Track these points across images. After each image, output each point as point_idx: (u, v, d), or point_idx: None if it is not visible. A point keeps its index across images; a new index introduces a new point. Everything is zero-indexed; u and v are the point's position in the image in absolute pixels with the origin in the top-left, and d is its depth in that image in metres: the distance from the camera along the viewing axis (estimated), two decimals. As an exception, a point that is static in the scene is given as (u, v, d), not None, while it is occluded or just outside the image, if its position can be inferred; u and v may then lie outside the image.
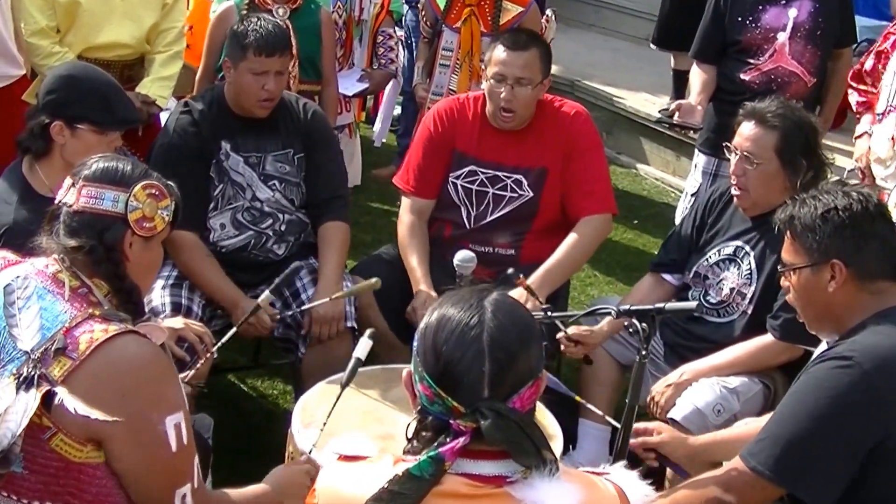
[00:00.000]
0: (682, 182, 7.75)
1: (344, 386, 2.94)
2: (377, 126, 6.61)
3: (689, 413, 3.57)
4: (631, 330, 2.91)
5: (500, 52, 4.16)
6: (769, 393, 3.72)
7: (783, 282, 2.86)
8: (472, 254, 3.51)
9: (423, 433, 1.97)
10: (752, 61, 4.87)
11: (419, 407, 1.99)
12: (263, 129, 4.14)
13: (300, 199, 4.20)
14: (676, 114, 4.76)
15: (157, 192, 2.46)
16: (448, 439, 1.90)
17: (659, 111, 7.97)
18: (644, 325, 2.87)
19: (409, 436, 2.01)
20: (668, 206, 7.51)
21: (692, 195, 5.10)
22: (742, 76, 4.89)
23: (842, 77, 5.12)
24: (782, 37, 4.83)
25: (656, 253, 6.46)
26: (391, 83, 6.16)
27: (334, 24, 5.24)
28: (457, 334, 1.93)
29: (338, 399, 2.94)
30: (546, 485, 1.89)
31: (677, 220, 5.27)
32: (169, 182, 2.52)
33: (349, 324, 3.97)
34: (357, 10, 5.51)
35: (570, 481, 1.93)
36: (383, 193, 6.84)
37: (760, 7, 4.86)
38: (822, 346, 2.99)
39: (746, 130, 3.77)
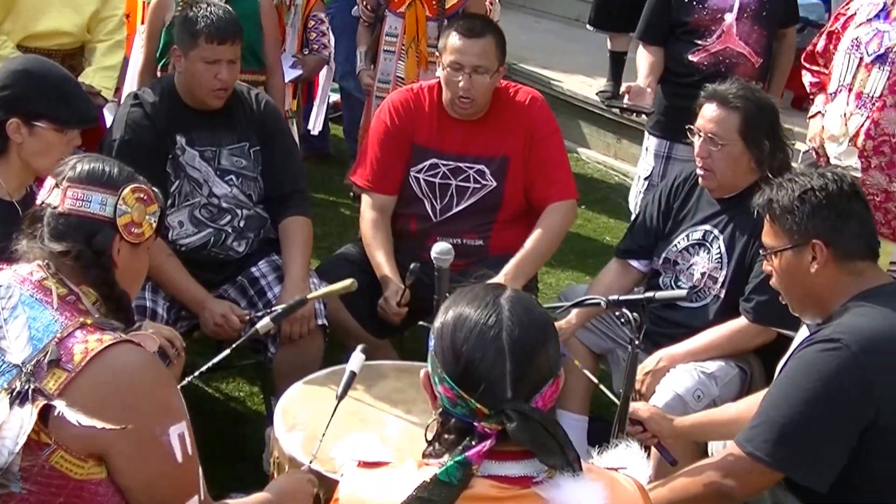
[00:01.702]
0: (624, 165, 7.85)
1: (339, 399, 2.91)
2: (313, 113, 6.54)
3: (671, 400, 3.60)
4: (622, 320, 2.93)
5: (455, 39, 4.12)
6: (746, 377, 3.77)
7: (765, 266, 2.91)
8: (450, 246, 3.49)
9: (446, 436, 1.96)
10: (699, 42, 4.92)
11: (440, 409, 1.98)
12: (218, 122, 4.06)
13: (258, 194, 4.13)
14: (626, 97, 4.78)
15: (145, 197, 2.40)
16: (473, 442, 1.89)
17: (596, 93, 8.04)
18: (635, 314, 2.90)
19: (429, 438, 2.00)
20: (613, 189, 7.57)
21: (645, 179, 5.15)
22: (690, 57, 4.93)
23: (787, 57, 5.25)
24: (729, 17, 4.89)
25: (607, 237, 6.64)
26: (325, 69, 6.10)
27: None
28: (475, 334, 1.92)
29: (333, 413, 2.90)
30: (572, 484, 1.89)
31: (631, 204, 5.34)
32: (153, 187, 2.46)
33: (320, 321, 3.93)
34: (289, -6, 5.44)
35: (594, 480, 1.94)
36: (328, 185, 6.81)
37: (707, -12, 4.91)
38: (803, 331, 3.04)
39: (709, 112, 3.82)
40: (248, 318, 3.88)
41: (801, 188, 2.77)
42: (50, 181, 2.39)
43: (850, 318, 2.68)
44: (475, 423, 1.90)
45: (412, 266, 3.77)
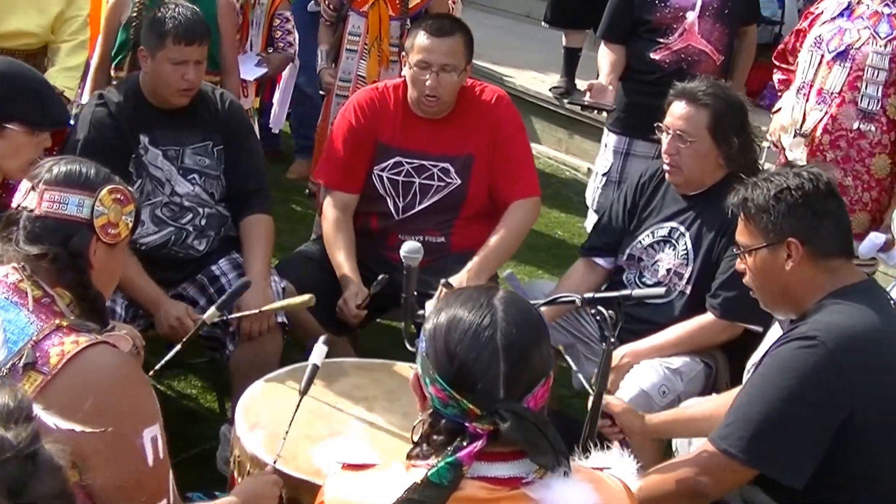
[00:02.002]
0: (575, 160, 7.89)
1: (303, 394, 2.92)
2: (275, 110, 6.52)
3: (636, 395, 3.61)
4: (598, 318, 2.92)
5: (423, 38, 4.11)
6: (711, 372, 3.79)
7: (738, 264, 2.91)
8: (419, 245, 3.47)
9: (435, 437, 1.94)
10: (662, 40, 4.95)
11: (430, 410, 1.96)
12: (182, 122, 4.04)
13: (220, 192, 4.12)
14: (588, 94, 4.78)
15: (122, 198, 2.39)
16: (465, 443, 1.88)
17: (550, 89, 8.07)
18: (611, 312, 2.89)
19: (416, 439, 1.99)
20: (565, 183, 7.60)
21: (603, 175, 5.18)
22: (652, 55, 4.96)
23: (748, 54, 5.30)
24: (691, 16, 4.93)
25: (558, 232, 6.66)
26: (288, 67, 6.09)
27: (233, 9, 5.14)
28: (470, 335, 1.91)
29: (297, 409, 2.90)
30: (562, 485, 1.89)
31: (588, 200, 5.35)
32: (129, 187, 2.45)
33: (280, 319, 3.91)
34: (254, -7, 5.44)
35: (583, 481, 1.93)
36: (279, 180, 6.74)
37: (669, -14, 4.94)
38: (775, 328, 3.05)
39: (678, 110, 3.83)
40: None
41: (776, 187, 2.77)
42: (26, 184, 2.38)
43: (826, 315, 2.68)
44: (467, 424, 1.89)
45: (380, 277, 3.78)
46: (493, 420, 1.87)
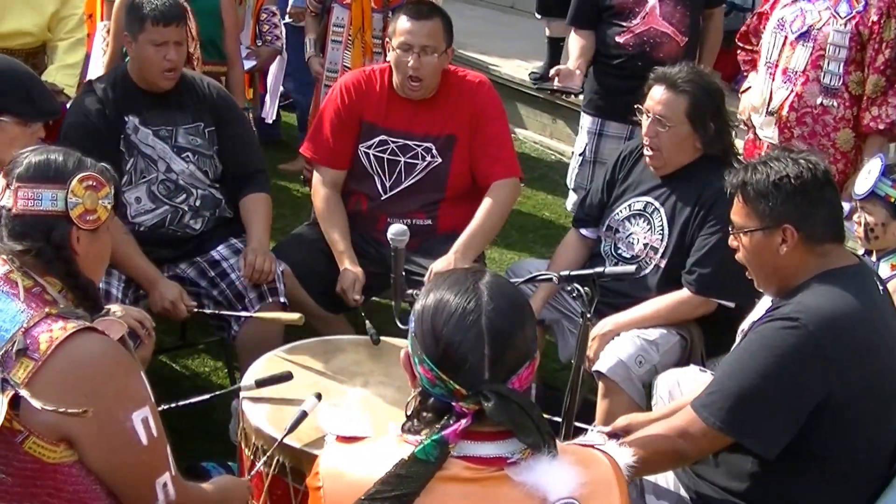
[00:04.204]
0: (560, 144, 7.86)
1: (288, 432, 2.87)
2: (267, 101, 6.50)
3: (614, 365, 3.56)
4: (574, 294, 2.87)
5: (403, 22, 4.05)
6: (686, 344, 3.72)
7: (732, 241, 2.84)
8: (405, 227, 3.40)
9: (424, 414, 1.90)
10: (625, 24, 4.83)
11: (420, 388, 1.91)
12: (171, 104, 4.01)
13: (214, 172, 4.08)
14: (556, 78, 4.74)
15: (94, 183, 2.29)
16: (451, 421, 1.83)
17: (529, 74, 8.02)
18: (587, 288, 2.84)
19: (409, 413, 1.94)
20: (550, 167, 7.56)
21: (580, 154, 5.10)
22: (617, 39, 4.85)
23: (714, 37, 5.19)
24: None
25: (545, 213, 6.64)
26: (277, 59, 6.08)
27: None
28: (455, 318, 1.85)
29: (289, 431, 2.88)
30: (545, 467, 1.83)
31: (569, 180, 5.30)
32: (105, 166, 2.36)
33: (281, 299, 3.87)
34: (242, -11, 5.42)
35: (567, 461, 1.87)
36: (272, 170, 6.70)
37: (630, -29, 4.84)
38: (765, 302, 2.98)
39: (658, 94, 3.73)
40: (195, 307, 3.84)
41: (776, 174, 2.69)
42: (1, 181, 2.31)
43: (810, 297, 2.62)
44: (453, 403, 1.84)
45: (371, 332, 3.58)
46: (478, 400, 1.82)
